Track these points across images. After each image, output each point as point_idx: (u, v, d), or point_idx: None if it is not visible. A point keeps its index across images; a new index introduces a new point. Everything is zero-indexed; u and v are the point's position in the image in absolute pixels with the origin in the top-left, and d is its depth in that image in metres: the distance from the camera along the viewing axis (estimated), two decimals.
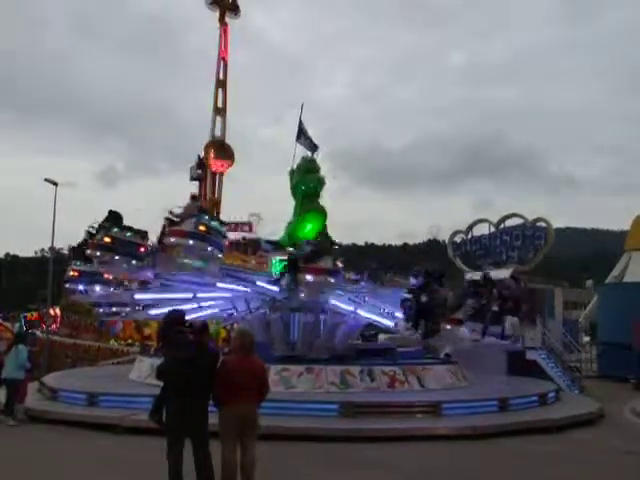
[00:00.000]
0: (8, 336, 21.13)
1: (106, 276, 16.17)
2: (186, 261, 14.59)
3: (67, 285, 16.89)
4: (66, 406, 12.80)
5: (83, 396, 13.03)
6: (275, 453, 8.76)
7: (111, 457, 9.50)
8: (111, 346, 26.33)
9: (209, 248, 14.63)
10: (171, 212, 14.78)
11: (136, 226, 15.93)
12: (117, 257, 15.06)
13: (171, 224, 14.62)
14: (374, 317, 16.41)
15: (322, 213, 18.38)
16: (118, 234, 15.07)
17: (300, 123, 18.90)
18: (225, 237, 16.01)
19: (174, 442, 6.55)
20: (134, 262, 15.27)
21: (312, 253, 14.14)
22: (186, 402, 6.48)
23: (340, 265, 14.61)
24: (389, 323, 16.22)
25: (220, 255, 15.19)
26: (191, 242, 14.34)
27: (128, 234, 15.29)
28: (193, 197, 16.44)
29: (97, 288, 16.31)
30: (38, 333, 25.21)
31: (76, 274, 16.20)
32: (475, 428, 11.19)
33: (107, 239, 14.94)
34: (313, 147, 18.98)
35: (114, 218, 15.59)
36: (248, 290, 15.98)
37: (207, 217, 14.93)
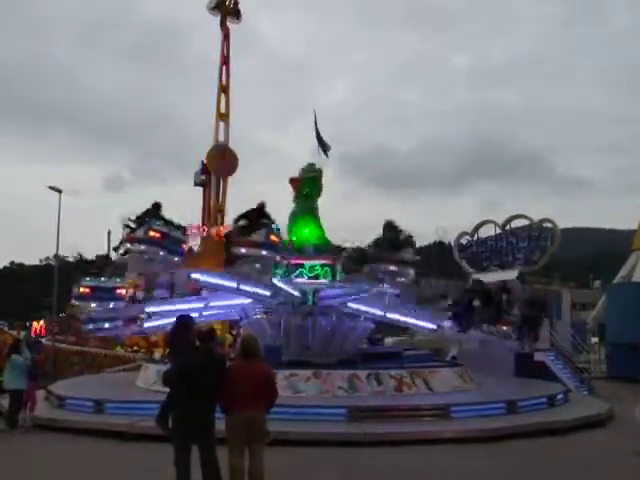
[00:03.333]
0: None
1: (119, 292, 15.79)
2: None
3: (75, 302, 16.20)
4: (73, 414, 12.79)
5: (90, 403, 13.01)
6: (282, 458, 8.70)
7: (119, 464, 9.47)
8: (117, 353, 26.29)
9: (161, 253, 14.66)
10: (129, 218, 14.90)
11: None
12: (162, 253, 14.78)
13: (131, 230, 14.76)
14: (411, 320, 16.32)
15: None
16: (164, 228, 14.82)
17: (316, 128, 19.02)
18: (181, 242, 15.84)
19: (181, 448, 6.53)
20: (176, 259, 15.10)
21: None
22: (193, 408, 6.45)
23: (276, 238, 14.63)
24: (431, 326, 16.11)
25: (176, 259, 15.10)
26: (142, 247, 14.42)
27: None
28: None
29: (111, 305, 15.96)
30: (44, 341, 25.20)
31: (87, 291, 15.63)
32: (484, 431, 11.12)
33: (153, 233, 14.61)
34: (325, 151, 19.14)
35: (155, 210, 15.29)
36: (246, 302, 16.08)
37: (160, 222, 14.88)
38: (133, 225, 14.90)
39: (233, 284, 15.45)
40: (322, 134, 19.04)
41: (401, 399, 13.35)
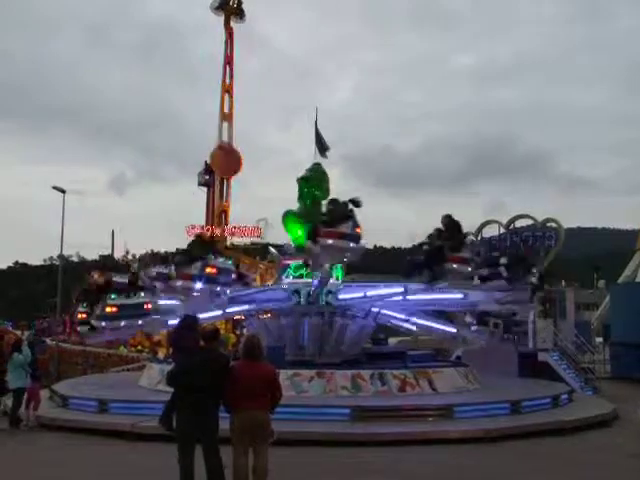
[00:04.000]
0: None
1: (147, 307, 15.60)
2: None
3: (102, 323, 15.74)
4: (77, 413, 12.81)
5: (94, 403, 13.03)
6: (286, 458, 8.68)
7: (122, 463, 9.47)
8: (121, 353, 26.29)
9: (217, 288, 14.71)
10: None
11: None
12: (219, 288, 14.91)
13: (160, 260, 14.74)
14: (434, 325, 16.29)
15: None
16: (217, 262, 14.85)
17: (316, 127, 18.99)
18: (232, 272, 15.80)
19: (185, 448, 6.52)
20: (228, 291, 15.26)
21: (332, 217, 13.90)
22: (196, 408, 6.44)
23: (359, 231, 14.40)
24: (451, 329, 16.06)
25: (228, 291, 15.15)
26: (199, 285, 14.34)
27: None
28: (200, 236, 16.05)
29: (140, 322, 15.85)
30: (48, 341, 25.25)
31: (114, 310, 15.20)
32: (488, 431, 11.08)
33: (209, 269, 14.71)
34: (324, 151, 19.04)
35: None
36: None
37: (214, 257, 14.79)
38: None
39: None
40: (323, 134, 18.96)
41: (405, 399, 13.31)
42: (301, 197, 18.37)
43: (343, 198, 14.20)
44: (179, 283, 14.53)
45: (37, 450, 10.67)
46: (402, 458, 9.71)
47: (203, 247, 15.00)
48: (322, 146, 18.91)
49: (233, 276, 15.64)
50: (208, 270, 14.36)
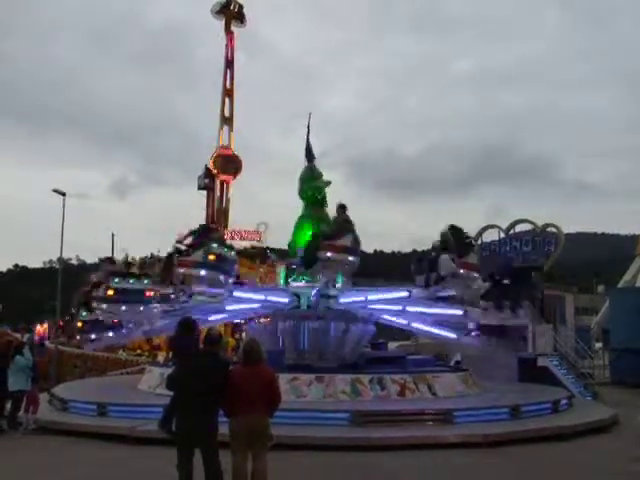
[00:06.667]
0: None
1: (148, 294, 15.81)
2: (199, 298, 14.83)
3: (102, 306, 16.30)
4: (76, 416, 12.80)
5: (93, 406, 13.02)
6: (285, 463, 8.67)
7: (121, 467, 9.45)
8: (120, 356, 26.29)
9: (221, 277, 14.66)
10: (179, 241, 14.93)
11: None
12: (222, 277, 15.00)
13: (179, 254, 14.74)
14: (434, 330, 16.27)
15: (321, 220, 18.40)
16: (219, 250, 15.00)
17: (307, 133, 19.02)
18: (235, 263, 15.97)
19: (184, 452, 6.51)
20: (230, 280, 15.37)
21: (333, 231, 14.02)
22: (196, 412, 6.44)
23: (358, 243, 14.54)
24: (452, 335, 16.03)
25: (230, 280, 15.20)
26: (202, 272, 14.31)
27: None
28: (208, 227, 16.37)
29: (110, 334, 16.11)
30: (47, 343, 25.25)
31: (114, 293, 15.59)
32: (487, 436, 11.05)
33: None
34: (309, 157, 19.08)
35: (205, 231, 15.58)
36: (256, 306, 16.01)
37: (216, 245, 14.89)
38: (183, 247, 15.23)
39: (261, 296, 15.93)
40: (310, 143, 19.01)
41: (404, 404, 13.31)
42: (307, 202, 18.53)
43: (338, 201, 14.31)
44: (181, 270, 14.56)
45: (36, 454, 10.64)
46: (401, 463, 9.69)
47: (205, 234, 15.13)
48: (309, 153, 18.95)
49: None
50: (210, 257, 14.41)
